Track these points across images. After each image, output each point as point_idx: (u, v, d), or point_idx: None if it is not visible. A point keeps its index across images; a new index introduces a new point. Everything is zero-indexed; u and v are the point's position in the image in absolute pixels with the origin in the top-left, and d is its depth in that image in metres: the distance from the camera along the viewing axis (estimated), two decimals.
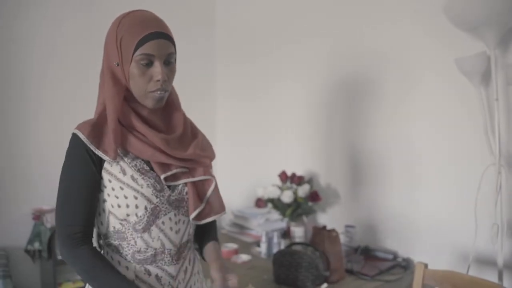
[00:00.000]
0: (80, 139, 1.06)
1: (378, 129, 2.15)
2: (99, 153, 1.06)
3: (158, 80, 1.07)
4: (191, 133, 1.22)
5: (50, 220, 2.39)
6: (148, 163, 1.12)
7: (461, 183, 1.82)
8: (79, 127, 1.08)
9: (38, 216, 2.50)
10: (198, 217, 1.17)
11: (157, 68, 1.07)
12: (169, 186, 1.14)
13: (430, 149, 1.93)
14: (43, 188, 2.54)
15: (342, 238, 2.13)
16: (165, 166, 1.12)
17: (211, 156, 1.23)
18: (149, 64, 1.06)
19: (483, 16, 1.53)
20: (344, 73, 2.32)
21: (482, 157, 1.71)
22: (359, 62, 2.22)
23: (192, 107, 3.23)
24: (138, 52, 1.05)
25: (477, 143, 1.74)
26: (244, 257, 2.18)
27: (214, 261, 1.18)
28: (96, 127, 1.08)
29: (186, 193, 1.16)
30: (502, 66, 1.67)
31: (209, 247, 1.24)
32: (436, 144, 1.91)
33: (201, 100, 3.16)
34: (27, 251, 2.47)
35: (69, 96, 2.65)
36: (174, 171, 1.13)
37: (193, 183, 1.17)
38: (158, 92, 1.08)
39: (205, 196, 1.20)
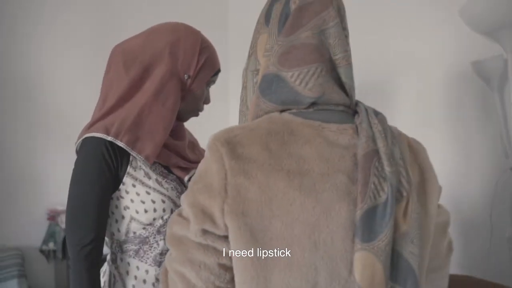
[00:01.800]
0: (104, 144, 1.02)
1: None
2: (140, 158, 1.05)
3: (207, 103, 1.22)
4: (191, 139, 1.29)
5: (64, 221, 2.42)
6: (165, 166, 1.14)
7: (476, 188, 1.80)
8: (110, 132, 1.03)
9: (53, 216, 2.53)
10: None
11: (209, 94, 1.22)
12: (185, 187, 1.16)
13: (445, 152, 1.92)
14: (58, 189, 2.56)
15: None
16: (184, 169, 1.16)
17: None
18: (207, 89, 1.20)
19: (500, 19, 1.52)
20: (357, 77, 2.31)
21: (498, 162, 1.70)
22: (373, 66, 2.22)
23: (205, 110, 3.23)
24: (212, 77, 1.18)
25: (493, 147, 1.73)
26: None
27: None
28: (133, 133, 1.05)
29: None
30: None
31: None
32: (450, 148, 1.90)
33: (213, 103, 3.16)
34: (42, 251, 2.50)
35: (82, 96, 2.68)
36: (193, 171, 1.17)
37: None
38: (200, 112, 1.22)
39: None
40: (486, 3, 1.55)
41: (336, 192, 0.70)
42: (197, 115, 1.22)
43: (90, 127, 1.08)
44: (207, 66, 1.14)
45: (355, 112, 0.82)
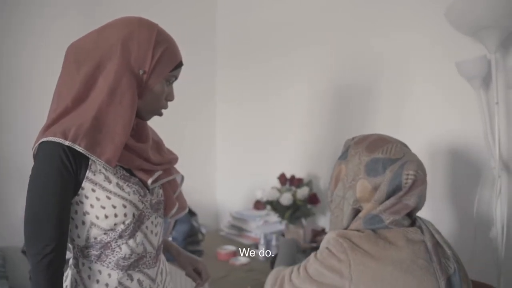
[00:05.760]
0: (62, 149, 0.97)
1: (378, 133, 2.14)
2: (100, 162, 1.01)
3: (170, 100, 1.15)
4: (155, 139, 1.24)
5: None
6: (128, 169, 1.10)
7: (460, 188, 1.81)
8: (67, 136, 0.97)
9: None
10: (173, 215, 1.25)
11: (172, 90, 1.15)
12: (148, 190, 1.13)
13: (430, 152, 1.93)
14: None
15: None
16: (147, 171, 1.12)
17: (177, 158, 1.28)
18: (170, 85, 1.13)
19: (484, 20, 1.53)
20: (344, 77, 2.31)
21: (482, 161, 1.71)
22: (360, 66, 2.22)
23: (192, 109, 3.22)
24: (172, 72, 1.10)
25: (476, 146, 1.74)
26: (242, 259, 2.18)
27: (194, 259, 1.39)
28: (92, 136, 1.00)
29: (162, 195, 1.19)
30: (503, 70, 1.67)
31: (169, 244, 1.39)
32: (435, 148, 1.90)
33: (200, 103, 3.15)
34: (24, 252, 2.45)
35: None
36: (157, 174, 1.14)
37: (168, 183, 1.22)
38: (163, 110, 1.15)
39: (175, 194, 1.25)
40: (471, 4, 1.56)
41: (422, 270, 1.05)
42: (160, 114, 1.16)
43: (46, 130, 1.02)
44: (164, 60, 1.07)
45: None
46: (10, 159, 2.50)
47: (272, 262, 1.86)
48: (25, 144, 2.53)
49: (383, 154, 1.15)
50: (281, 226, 2.40)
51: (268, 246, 2.20)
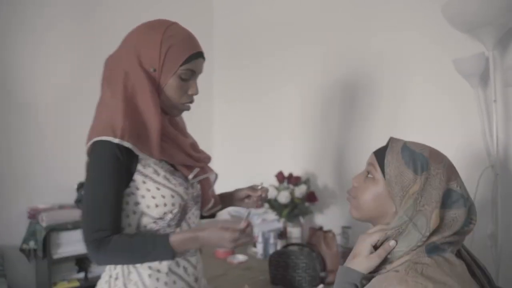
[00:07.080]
0: (115, 146, 1.06)
1: (374, 131, 2.14)
2: (144, 156, 1.10)
3: (193, 94, 1.19)
4: (192, 139, 1.32)
5: (45, 219, 2.37)
6: (171, 164, 1.18)
7: None
8: (117, 135, 1.06)
9: (33, 214, 2.48)
10: (209, 209, 1.32)
11: (194, 84, 1.18)
12: (190, 185, 1.22)
13: None
14: (40, 186, 2.53)
15: (339, 239, 2.13)
16: (188, 167, 1.21)
17: (210, 157, 1.35)
18: (187, 79, 1.16)
19: (482, 17, 1.53)
20: (341, 75, 2.31)
21: (480, 159, 1.71)
22: (356, 64, 2.22)
23: (190, 109, 3.19)
24: (184, 66, 1.13)
25: (474, 144, 1.74)
26: (240, 257, 2.18)
27: (240, 190, 1.45)
28: (135, 132, 1.09)
29: (199, 189, 1.27)
30: (500, 67, 1.67)
31: (220, 197, 1.43)
32: (433, 146, 1.90)
33: (198, 102, 3.13)
34: (22, 250, 2.45)
35: (69, 96, 2.64)
36: (196, 170, 1.22)
37: (204, 180, 1.29)
38: (188, 104, 1.21)
39: (210, 190, 1.32)
40: (468, 1, 1.55)
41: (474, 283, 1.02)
42: (186, 108, 1.22)
43: (95, 129, 1.11)
44: (172, 56, 1.12)
45: None
46: (7, 160, 2.50)
47: (270, 260, 1.86)
48: (23, 144, 2.54)
49: (459, 188, 1.05)
50: (279, 224, 2.40)
51: (266, 244, 2.20)
